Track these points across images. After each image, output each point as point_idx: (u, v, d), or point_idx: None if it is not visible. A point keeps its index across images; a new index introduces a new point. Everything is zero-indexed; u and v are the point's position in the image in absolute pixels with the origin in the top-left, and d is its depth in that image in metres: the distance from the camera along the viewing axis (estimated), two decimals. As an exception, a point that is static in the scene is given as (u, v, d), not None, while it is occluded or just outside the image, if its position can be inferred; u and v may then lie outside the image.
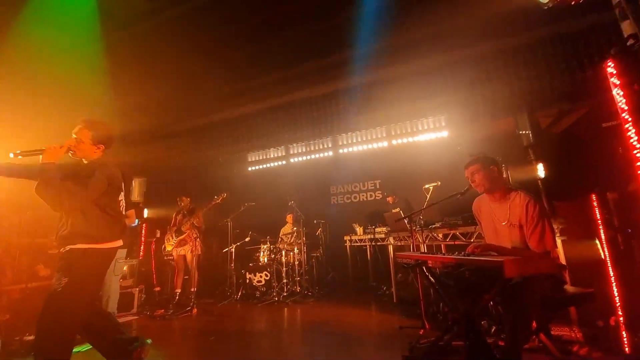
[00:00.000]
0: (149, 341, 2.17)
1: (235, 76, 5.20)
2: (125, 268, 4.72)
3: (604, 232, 2.33)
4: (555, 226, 2.76)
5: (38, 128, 4.05)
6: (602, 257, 2.45)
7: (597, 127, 3.27)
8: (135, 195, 5.68)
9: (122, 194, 2.17)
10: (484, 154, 2.18)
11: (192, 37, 4.36)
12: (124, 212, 2.18)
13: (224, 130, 6.09)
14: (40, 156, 1.88)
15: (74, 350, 2.00)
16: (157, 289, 5.16)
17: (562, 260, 2.59)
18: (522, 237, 1.94)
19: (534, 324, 2.05)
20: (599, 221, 2.35)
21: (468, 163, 2.17)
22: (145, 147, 5.74)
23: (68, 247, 1.90)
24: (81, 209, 1.92)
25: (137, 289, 4.59)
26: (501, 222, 2.06)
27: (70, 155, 2.03)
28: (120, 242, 2.09)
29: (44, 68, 4.18)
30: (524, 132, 4.14)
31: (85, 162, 2.10)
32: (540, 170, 3.60)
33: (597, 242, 2.47)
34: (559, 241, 2.70)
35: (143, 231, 5.46)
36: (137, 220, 5.32)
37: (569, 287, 2.05)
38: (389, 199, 5.56)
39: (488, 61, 4.42)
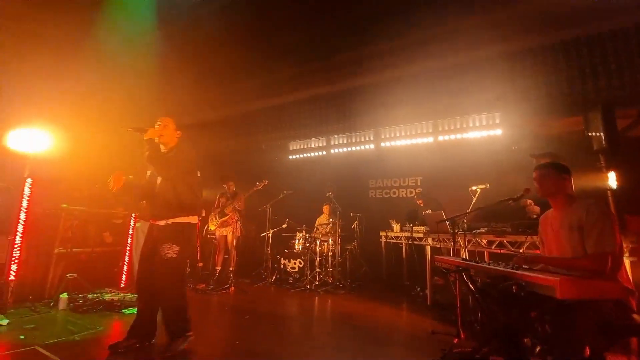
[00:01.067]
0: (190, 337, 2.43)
1: (280, 65, 5.26)
2: (173, 242, 5.13)
3: (687, 257, 2.01)
4: (624, 245, 2.44)
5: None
6: (682, 285, 2.12)
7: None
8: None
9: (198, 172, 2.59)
10: (557, 159, 2.02)
11: (240, 26, 4.47)
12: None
13: (268, 117, 6.23)
14: (145, 134, 2.34)
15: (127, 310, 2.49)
16: (200, 264, 5.53)
17: (630, 285, 2.29)
18: (581, 241, 1.77)
19: (587, 350, 1.85)
20: (683, 244, 2.02)
21: (541, 165, 2.04)
22: (195, 132, 6.10)
23: (171, 221, 2.34)
24: (173, 183, 2.35)
25: (183, 262, 4.98)
26: (561, 227, 1.91)
27: (156, 140, 2.41)
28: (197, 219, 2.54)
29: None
30: (594, 133, 3.66)
31: (164, 149, 2.50)
32: (612, 179, 3.18)
33: (677, 267, 2.14)
34: (627, 262, 2.39)
35: (190, 210, 5.86)
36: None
37: (636, 316, 1.81)
38: (419, 202, 5.32)
39: (555, 51, 3.94)
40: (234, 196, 5.04)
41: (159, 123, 2.46)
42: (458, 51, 4.32)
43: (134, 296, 3.65)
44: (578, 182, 3.30)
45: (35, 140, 3.75)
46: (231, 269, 4.84)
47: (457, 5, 3.86)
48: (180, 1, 4.47)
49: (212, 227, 5.10)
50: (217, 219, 5.01)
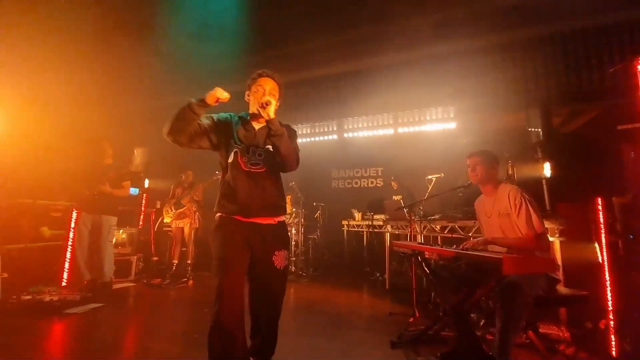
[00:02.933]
0: None
1: (241, 51, 5.04)
2: (124, 236, 4.78)
3: (605, 236, 2.31)
4: (555, 226, 2.74)
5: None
6: (600, 260, 2.44)
7: (609, 129, 3.18)
8: (137, 165, 5.67)
9: None
10: (490, 150, 2.22)
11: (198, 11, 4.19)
12: None
13: (229, 105, 5.97)
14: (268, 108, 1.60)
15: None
16: (155, 258, 5.24)
17: (558, 260, 2.59)
18: (513, 225, 1.99)
19: (524, 321, 2.07)
20: (602, 225, 2.32)
21: (473, 152, 2.23)
22: (148, 117, 5.67)
23: (281, 219, 1.74)
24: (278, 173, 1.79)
25: (135, 257, 4.67)
26: (492, 214, 2.13)
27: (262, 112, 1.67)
28: None
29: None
30: (534, 129, 4.04)
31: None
32: (547, 170, 3.55)
33: (597, 245, 2.45)
34: (557, 241, 2.69)
35: (143, 201, 5.49)
36: (137, 190, 5.33)
37: (561, 288, 2.05)
38: (394, 183, 5.50)
39: (504, 52, 4.26)
40: (191, 186, 4.80)
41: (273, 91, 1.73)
42: (417, 47, 4.48)
43: (77, 295, 3.35)
44: (519, 171, 3.63)
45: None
46: (189, 262, 4.65)
47: (415, 3, 3.98)
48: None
49: (167, 219, 4.83)
50: (173, 211, 4.75)
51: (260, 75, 1.75)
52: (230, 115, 1.78)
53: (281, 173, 1.78)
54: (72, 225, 3.81)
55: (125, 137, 5.39)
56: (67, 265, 3.77)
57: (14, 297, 3.16)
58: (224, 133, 1.72)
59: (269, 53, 5.00)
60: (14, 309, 2.97)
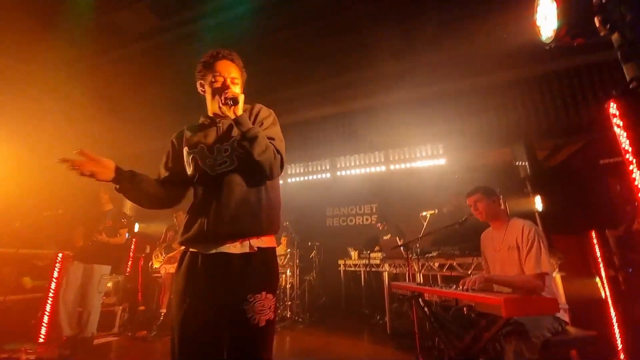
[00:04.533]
0: None
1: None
2: (110, 285, 4.54)
3: (604, 271, 2.28)
4: (553, 261, 2.71)
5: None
6: (603, 296, 2.39)
7: (593, 163, 3.30)
8: (128, 209, 5.57)
9: None
10: (484, 185, 2.22)
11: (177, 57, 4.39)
12: None
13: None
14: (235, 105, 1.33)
15: None
16: (142, 308, 4.94)
17: (562, 297, 2.52)
18: (518, 260, 1.95)
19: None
20: (599, 259, 2.30)
21: (470, 192, 2.22)
22: (138, 159, 5.70)
23: (261, 244, 1.25)
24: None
25: (120, 307, 4.40)
26: (501, 248, 2.09)
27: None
28: None
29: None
30: (520, 163, 4.16)
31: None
32: (538, 203, 3.59)
33: (598, 280, 2.41)
34: (558, 277, 2.64)
35: (132, 246, 5.31)
36: (127, 234, 5.18)
37: (570, 328, 1.97)
38: (379, 225, 5.49)
39: (487, 92, 4.53)
40: (183, 229, 4.69)
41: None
42: (407, 88, 4.75)
43: (55, 353, 3.09)
44: (511, 205, 3.67)
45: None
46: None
47: (408, 48, 4.29)
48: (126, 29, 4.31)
49: (156, 265, 4.64)
50: (163, 255, 4.58)
51: (216, 58, 1.32)
52: (181, 132, 1.41)
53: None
54: (55, 275, 3.64)
55: None
56: (46, 319, 3.52)
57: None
58: (178, 154, 1.35)
59: (260, 99, 5.20)
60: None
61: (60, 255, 3.69)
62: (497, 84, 4.42)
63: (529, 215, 3.65)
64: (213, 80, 1.31)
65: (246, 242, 1.17)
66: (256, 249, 1.18)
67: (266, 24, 3.93)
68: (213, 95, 1.31)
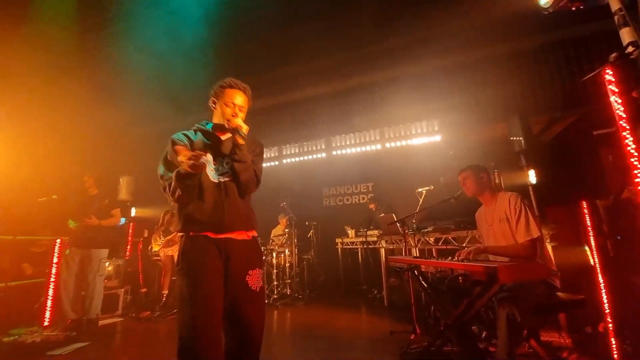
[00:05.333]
0: None
1: (229, 75, 5.12)
2: (110, 268, 4.59)
3: (594, 239, 2.35)
4: (545, 232, 2.78)
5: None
6: (592, 263, 2.47)
7: (587, 134, 3.32)
8: (124, 194, 5.54)
9: None
10: (476, 164, 2.31)
11: (185, 34, 4.28)
12: None
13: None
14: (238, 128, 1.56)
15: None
16: (144, 290, 5.02)
17: (553, 266, 2.60)
18: (510, 231, 2.03)
19: (525, 330, 2.05)
20: (589, 228, 2.36)
21: (462, 170, 2.32)
22: (133, 145, 5.62)
23: (255, 234, 1.59)
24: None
25: (123, 290, 4.47)
26: (493, 221, 2.16)
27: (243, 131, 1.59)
28: None
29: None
30: (515, 138, 4.17)
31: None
32: (532, 176, 3.63)
33: (587, 248, 2.49)
34: (549, 247, 2.72)
35: (130, 230, 5.32)
36: (124, 219, 5.18)
37: (560, 294, 2.05)
38: (371, 205, 5.56)
39: (482, 66, 4.46)
40: (181, 212, 4.70)
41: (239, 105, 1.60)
42: (402, 65, 4.66)
43: (61, 334, 3.16)
44: (506, 179, 3.71)
45: None
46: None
47: (398, 25, 4.17)
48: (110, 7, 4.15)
49: (155, 248, 4.68)
50: (162, 238, 4.62)
51: (232, 87, 1.58)
52: (185, 133, 1.59)
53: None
54: (55, 260, 3.66)
55: (110, 166, 5.30)
56: (49, 303, 3.58)
57: (-8, 340, 2.96)
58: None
59: (255, 78, 5.08)
60: (-9, 355, 2.77)
61: (58, 241, 3.70)
62: (493, 57, 4.35)
63: (523, 189, 3.71)
64: (225, 103, 1.57)
65: (248, 233, 1.53)
66: (251, 237, 1.53)
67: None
68: (222, 116, 1.57)
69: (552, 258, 2.65)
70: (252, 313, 1.42)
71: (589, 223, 2.37)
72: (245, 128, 1.49)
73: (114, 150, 5.69)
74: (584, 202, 2.47)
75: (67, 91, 4.39)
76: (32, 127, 4.49)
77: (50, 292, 3.58)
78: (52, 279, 3.61)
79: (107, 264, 4.41)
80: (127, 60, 4.37)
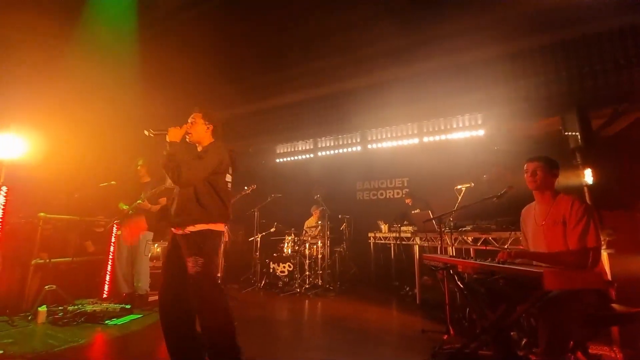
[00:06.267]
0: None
1: (265, 68, 5.25)
2: (158, 249, 4.99)
3: (660, 248, 2.11)
4: (602, 238, 2.54)
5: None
6: (656, 274, 2.23)
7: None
8: (169, 183, 5.95)
9: (230, 176, 2.21)
10: (548, 156, 2.10)
11: (224, 28, 4.45)
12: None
13: (254, 121, 6.19)
14: (166, 135, 2.06)
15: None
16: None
17: (607, 276, 2.38)
18: (564, 235, 1.86)
19: (571, 342, 1.92)
20: (655, 235, 2.12)
21: (533, 157, 2.10)
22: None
23: (190, 229, 1.95)
24: (195, 188, 2.00)
25: (168, 270, 4.85)
26: (545, 222, 1.99)
27: (187, 138, 2.16)
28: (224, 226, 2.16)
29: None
30: (571, 133, 3.82)
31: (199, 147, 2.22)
32: (588, 176, 3.32)
33: (651, 258, 2.24)
34: (605, 254, 2.49)
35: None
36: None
37: (615, 305, 1.88)
38: (407, 200, 5.43)
39: (533, 55, 4.12)
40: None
41: (189, 121, 2.18)
42: (441, 56, 4.44)
43: (117, 306, 3.53)
44: (558, 179, 3.42)
45: (10, 146, 3.58)
46: (218, 275, 4.75)
47: (439, 13, 3.98)
48: (162, 4, 4.43)
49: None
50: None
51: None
52: None
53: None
54: (113, 240, 4.06)
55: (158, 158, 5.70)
56: (107, 278, 4.00)
57: (61, 307, 3.38)
58: None
59: (291, 71, 5.16)
60: (60, 319, 3.17)
61: (115, 223, 4.11)
62: (546, 44, 3.99)
63: (578, 189, 3.41)
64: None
65: (179, 229, 1.98)
66: (187, 232, 1.95)
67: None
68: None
69: (608, 267, 2.43)
70: (192, 296, 1.89)
71: (654, 230, 2.13)
72: (169, 131, 2.05)
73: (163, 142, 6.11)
74: (650, 207, 2.22)
75: (129, 79, 4.80)
76: (93, 118, 4.96)
77: (109, 268, 4.00)
78: (110, 257, 4.02)
79: (155, 245, 4.81)
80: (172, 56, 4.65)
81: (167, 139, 2.04)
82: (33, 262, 3.56)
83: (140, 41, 4.64)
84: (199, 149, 2.19)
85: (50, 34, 4.30)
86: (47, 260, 3.70)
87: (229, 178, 2.19)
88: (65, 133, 4.62)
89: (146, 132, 2.08)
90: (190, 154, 2.07)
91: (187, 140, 2.14)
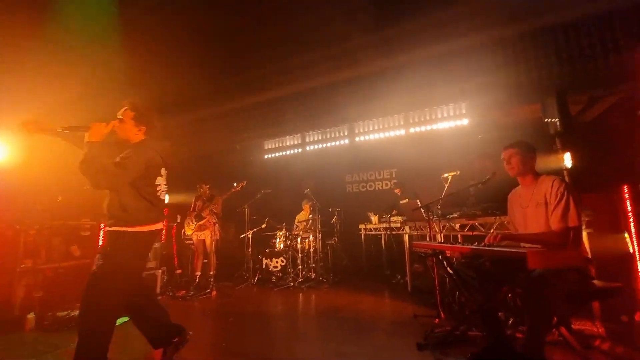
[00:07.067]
0: (190, 333, 2.25)
1: (250, 63, 5.18)
2: (148, 251, 4.92)
3: (634, 225, 2.22)
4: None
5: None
6: (631, 251, 2.35)
7: (631, 115, 3.08)
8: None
9: (162, 179, 2.14)
10: (523, 140, 2.14)
11: (207, 23, 4.36)
12: (162, 197, 2.15)
13: (241, 117, 6.12)
14: (86, 134, 1.89)
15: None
16: (179, 271, 5.36)
17: (587, 254, 2.50)
18: (546, 216, 1.93)
19: (555, 318, 2.01)
20: (630, 214, 2.24)
21: (508, 145, 2.15)
22: (165, 134, 5.86)
23: (107, 229, 1.96)
24: (117, 191, 1.91)
25: (160, 271, 4.80)
26: (529, 204, 2.06)
27: (115, 135, 2.04)
28: (158, 226, 2.08)
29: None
30: (551, 119, 3.94)
31: (128, 144, 2.08)
32: (567, 160, 3.45)
33: (626, 235, 2.36)
34: (585, 233, 2.61)
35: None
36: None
37: (595, 281, 1.99)
38: (397, 190, 5.51)
39: (513, 43, 4.19)
40: (210, 199, 4.92)
41: (119, 117, 2.02)
42: (426, 45, 4.47)
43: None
44: (539, 164, 3.54)
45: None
46: (211, 273, 4.74)
47: (420, 4, 4.00)
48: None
49: (188, 232, 4.96)
50: (194, 223, 4.87)
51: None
52: None
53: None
54: (100, 243, 3.99)
55: (164, 154, 5.59)
56: (97, 281, 3.92)
57: (50, 314, 3.31)
58: None
59: (275, 66, 5.11)
60: (50, 326, 3.10)
61: (102, 225, 4.02)
62: (526, 32, 4.07)
63: (557, 173, 3.52)
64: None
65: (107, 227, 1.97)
66: (107, 231, 1.96)
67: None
68: None
69: (588, 245, 2.55)
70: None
71: (629, 209, 2.24)
72: (90, 128, 1.89)
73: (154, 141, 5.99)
74: (626, 187, 2.33)
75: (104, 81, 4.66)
76: (76, 117, 4.80)
77: (97, 271, 3.92)
78: (98, 260, 3.94)
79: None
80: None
81: (86, 139, 1.86)
82: (18, 268, 3.47)
83: (120, 40, 4.50)
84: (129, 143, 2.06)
85: (25, 35, 4.12)
86: (33, 266, 3.61)
87: (160, 180, 2.11)
88: (46, 136, 4.47)
89: (59, 129, 1.89)
90: (111, 156, 1.92)
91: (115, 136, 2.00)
